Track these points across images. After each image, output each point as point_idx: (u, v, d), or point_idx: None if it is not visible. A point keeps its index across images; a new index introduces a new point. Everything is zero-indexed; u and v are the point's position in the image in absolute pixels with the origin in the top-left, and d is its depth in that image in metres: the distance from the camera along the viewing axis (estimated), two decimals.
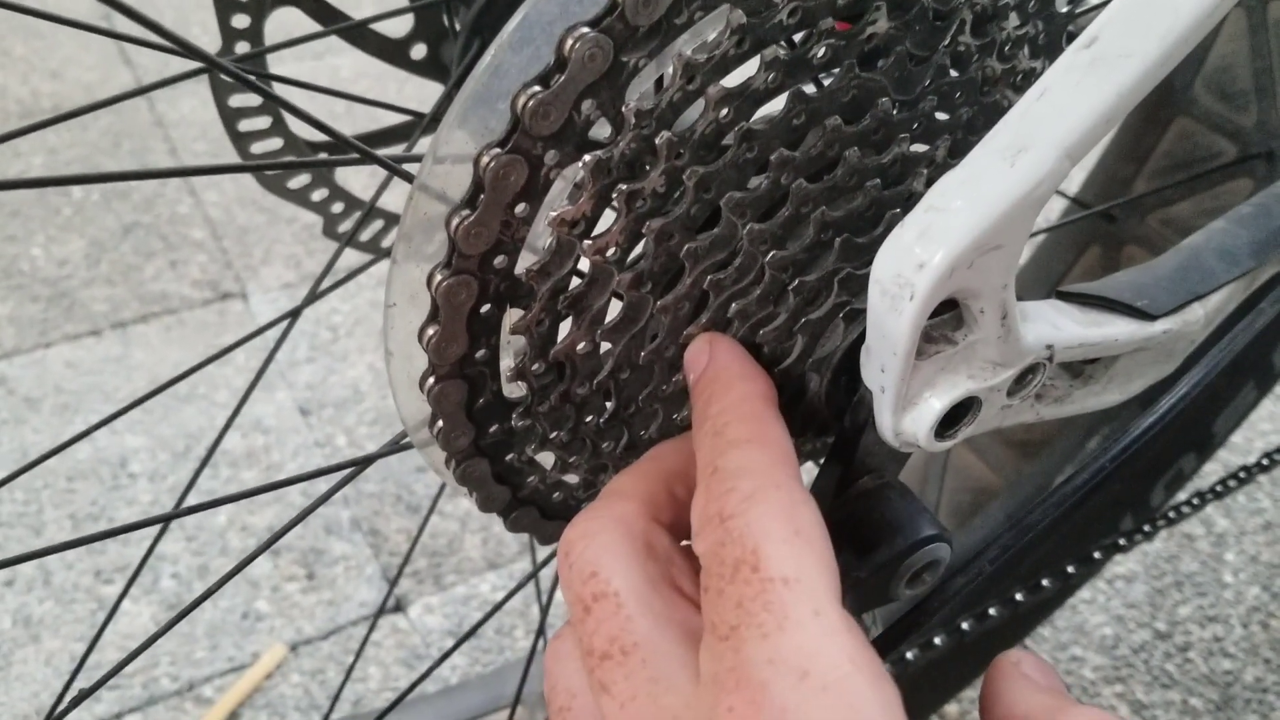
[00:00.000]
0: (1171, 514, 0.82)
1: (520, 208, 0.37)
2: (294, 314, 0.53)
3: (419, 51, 0.63)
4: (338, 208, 0.65)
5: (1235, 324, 0.52)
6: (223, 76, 0.55)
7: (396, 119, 0.64)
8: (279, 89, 0.56)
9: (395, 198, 0.64)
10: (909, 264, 0.36)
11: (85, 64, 2.27)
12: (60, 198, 1.92)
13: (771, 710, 0.29)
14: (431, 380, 0.40)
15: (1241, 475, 0.86)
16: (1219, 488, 0.83)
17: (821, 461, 0.46)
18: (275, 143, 0.61)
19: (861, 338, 0.41)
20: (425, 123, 0.56)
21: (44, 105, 2.16)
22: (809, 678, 0.30)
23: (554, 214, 0.38)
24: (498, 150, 0.36)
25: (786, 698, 0.30)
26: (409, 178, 0.39)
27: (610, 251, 0.39)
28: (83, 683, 0.53)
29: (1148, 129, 0.82)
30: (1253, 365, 0.81)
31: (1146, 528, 0.79)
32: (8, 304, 1.72)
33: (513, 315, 0.40)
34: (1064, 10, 0.46)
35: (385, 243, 0.67)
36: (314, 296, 0.53)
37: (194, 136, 2.06)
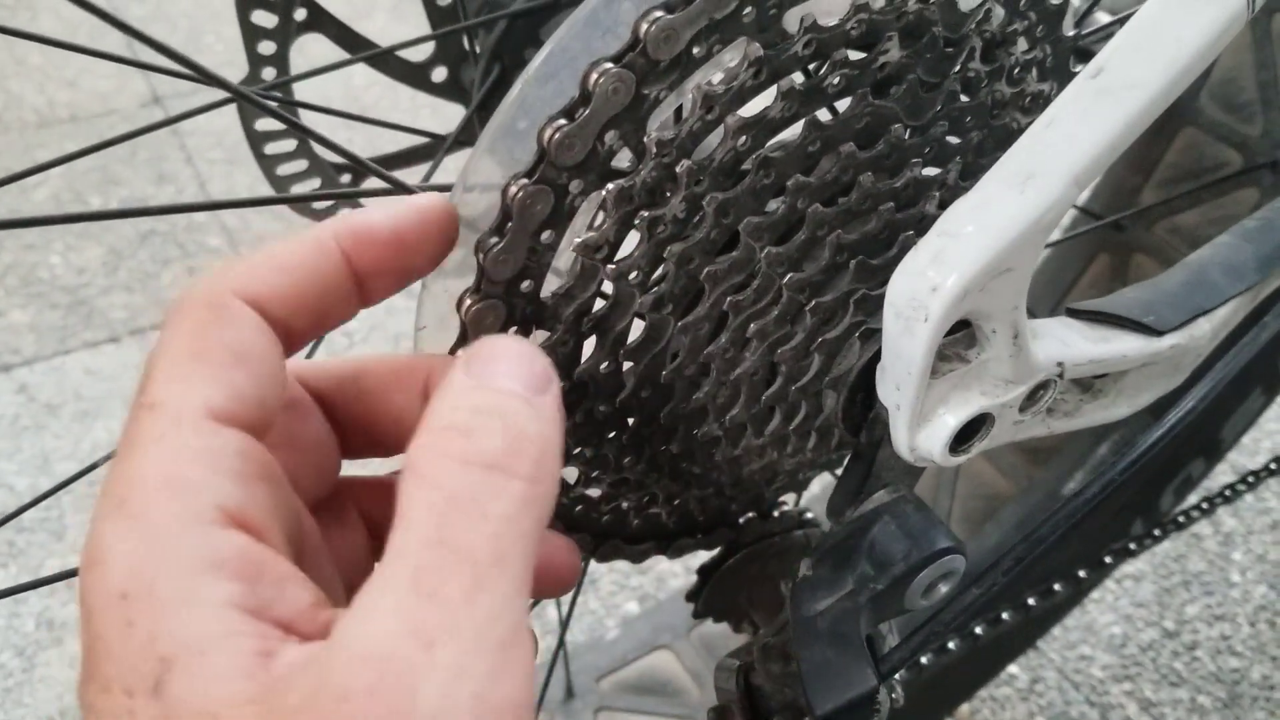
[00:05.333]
0: (1181, 518, 0.83)
1: (546, 234, 0.39)
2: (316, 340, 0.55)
3: (439, 75, 0.64)
4: None
5: (1241, 336, 0.53)
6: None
7: (419, 139, 0.65)
8: (304, 115, 0.58)
9: None
10: (923, 287, 0.37)
11: (100, 73, 2.29)
12: (78, 206, 1.94)
13: (94, 537, 0.29)
14: None
15: (1250, 480, 0.87)
16: (1227, 492, 0.84)
17: (839, 475, 0.48)
18: (300, 164, 0.62)
19: (877, 356, 0.43)
20: (447, 145, 0.57)
21: (60, 114, 2.18)
22: (124, 504, 0.29)
23: (578, 240, 0.39)
24: (525, 180, 0.38)
25: (101, 524, 0.29)
26: None
27: (633, 275, 0.40)
28: None
29: (1155, 139, 0.83)
30: (1260, 372, 0.82)
31: (1156, 532, 0.81)
32: (28, 312, 1.74)
33: (538, 337, 0.41)
34: (1070, 34, 0.47)
35: None
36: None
37: (210, 144, 2.08)
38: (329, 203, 0.62)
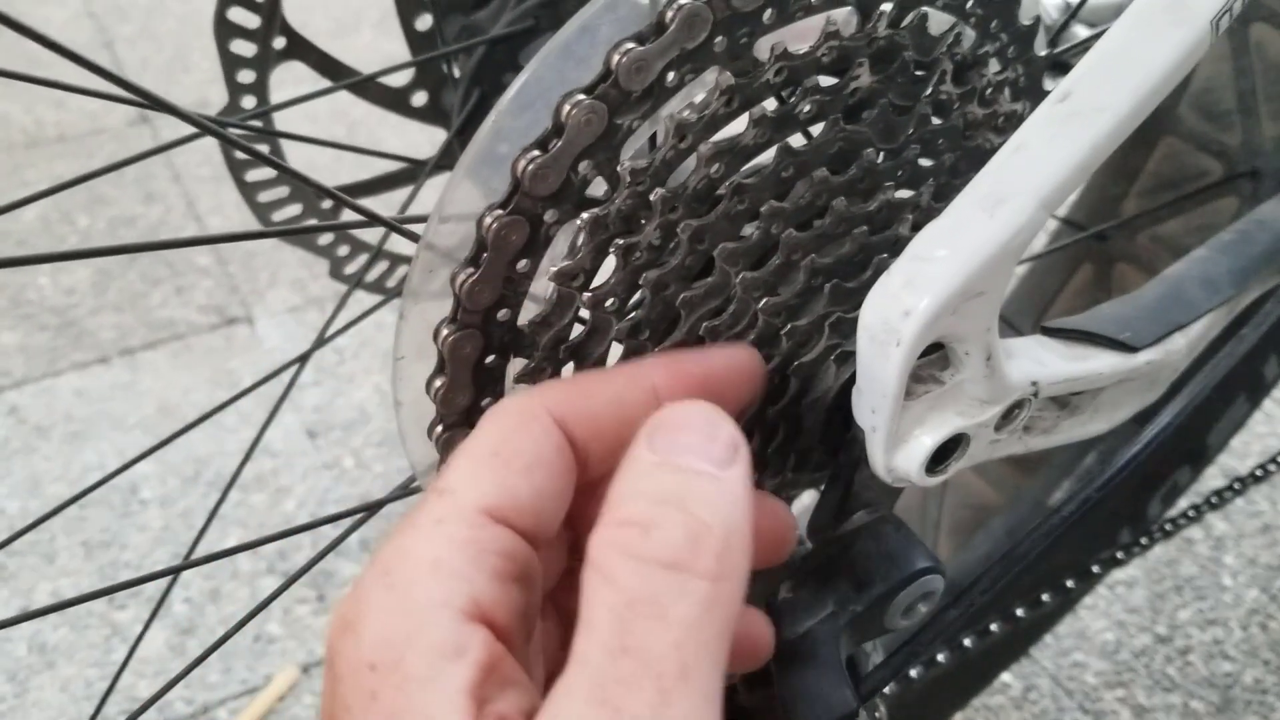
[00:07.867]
0: (1169, 526, 0.83)
1: (522, 264, 0.39)
2: (303, 359, 0.55)
3: (420, 99, 0.64)
4: (343, 251, 0.67)
5: (1221, 348, 0.53)
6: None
7: (399, 164, 0.65)
8: (285, 146, 0.58)
9: (400, 241, 0.66)
10: (895, 311, 0.38)
11: None
12: (66, 226, 1.94)
13: (353, 600, 0.31)
14: (440, 428, 0.42)
15: (1238, 485, 0.87)
16: (1214, 499, 0.85)
17: (819, 494, 0.48)
18: (282, 191, 0.63)
19: (853, 379, 0.43)
20: (428, 169, 0.57)
21: (48, 134, 2.18)
22: (388, 575, 0.31)
23: (554, 268, 0.40)
24: (499, 211, 0.38)
25: (364, 589, 0.31)
26: (415, 238, 0.40)
27: (609, 302, 0.41)
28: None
29: (1135, 149, 0.83)
30: (1244, 379, 0.83)
31: (1144, 540, 0.81)
32: (16, 333, 1.74)
33: (516, 364, 0.41)
34: (1043, 54, 0.47)
35: (390, 283, 0.69)
36: (322, 341, 0.55)
37: (198, 162, 2.08)
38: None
